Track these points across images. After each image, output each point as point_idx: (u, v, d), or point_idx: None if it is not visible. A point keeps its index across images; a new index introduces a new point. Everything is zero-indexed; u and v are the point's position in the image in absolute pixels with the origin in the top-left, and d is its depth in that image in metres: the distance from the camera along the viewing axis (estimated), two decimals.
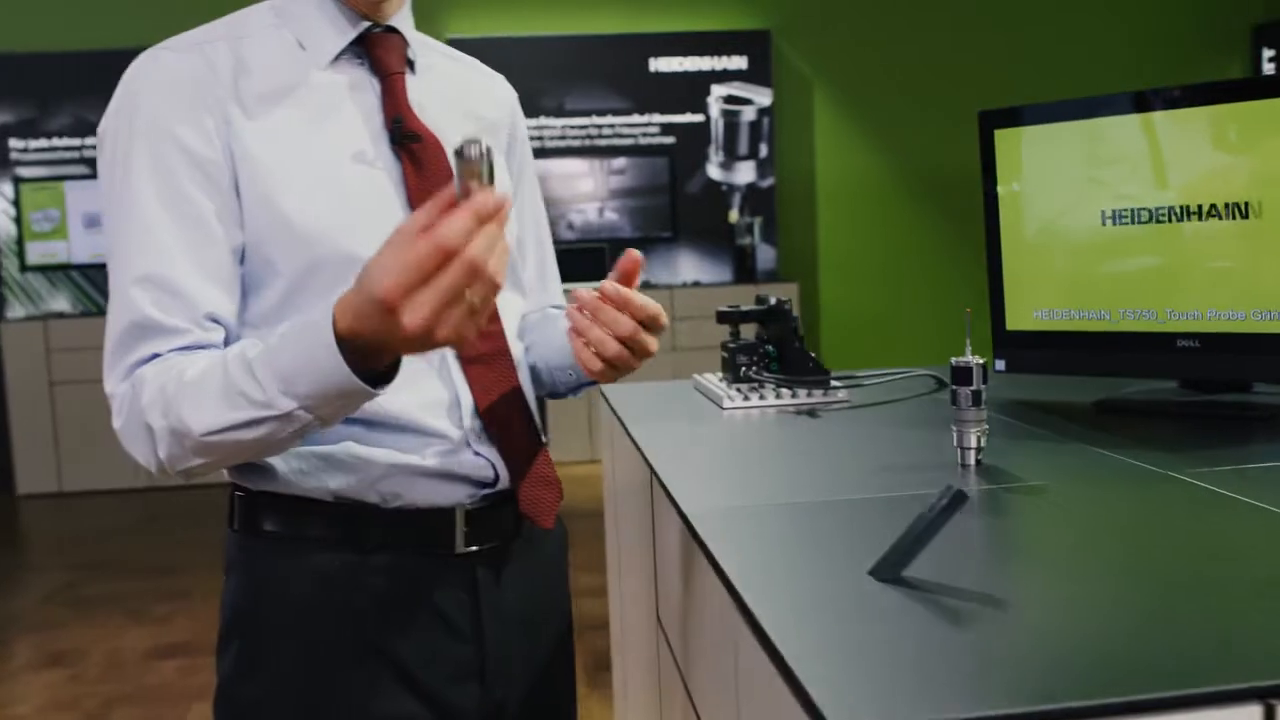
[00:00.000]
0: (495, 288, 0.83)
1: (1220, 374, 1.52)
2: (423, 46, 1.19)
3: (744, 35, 5.90)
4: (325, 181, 1.06)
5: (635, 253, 1.06)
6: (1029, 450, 1.33)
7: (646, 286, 5.47)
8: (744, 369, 1.75)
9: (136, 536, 4.98)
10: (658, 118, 5.79)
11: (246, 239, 1.04)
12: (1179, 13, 6.09)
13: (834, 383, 1.72)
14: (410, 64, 1.15)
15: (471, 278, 0.81)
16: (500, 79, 1.31)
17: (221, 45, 1.06)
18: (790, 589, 0.89)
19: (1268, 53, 6.06)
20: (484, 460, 1.11)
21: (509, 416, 1.13)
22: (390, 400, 1.02)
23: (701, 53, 5.85)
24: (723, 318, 1.84)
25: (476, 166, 0.84)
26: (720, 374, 1.85)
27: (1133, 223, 1.53)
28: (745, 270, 5.88)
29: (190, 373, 0.95)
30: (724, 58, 5.86)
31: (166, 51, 1.06)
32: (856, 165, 5.97)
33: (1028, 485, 1.16)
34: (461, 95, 1.21)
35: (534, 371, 1.25)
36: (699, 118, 5.83)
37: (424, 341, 0.84)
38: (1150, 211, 1.52)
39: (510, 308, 1.19)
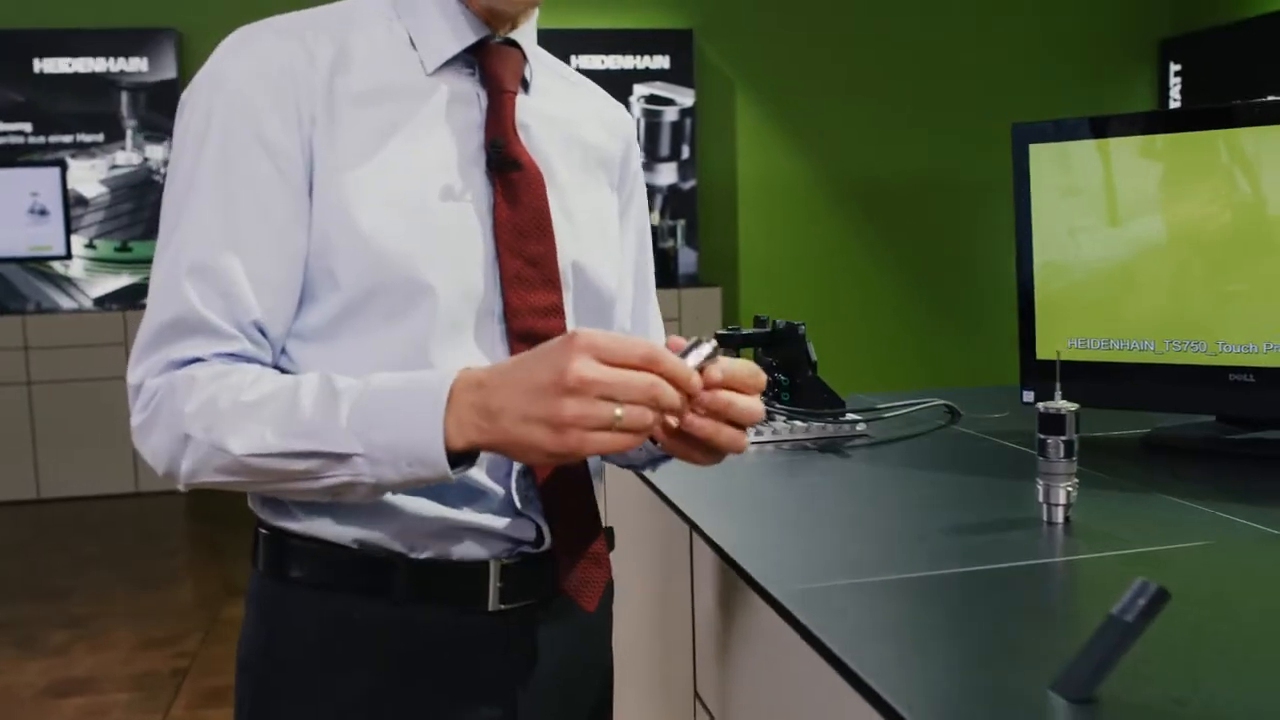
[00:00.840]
0: (645, 431, 0.79)
1: (1277, 410, 1.43)
2: (541, 65, 1.07)
3: (666, 34, 5.77)
4: (409, 199, 0.94)
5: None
6: (1106, 503, 1.21)
7: None
8: None
9: (24, 555, 4.59)
10: None
11: (311, 246, 0.93)
12: (1091, 23, 6.16)
13: (851, 415, 1.58)
14: (525, 84, 1.03)
15: (650, 400, 0.77)
16: (618, 107, 1.16)
17: (325, 35, 0.96)
18: (949, 707, 0.74)
19: (1174, 66, 6.17)
20: (528, 520, 0.98)
21: (563, 480, 0.98)
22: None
23: (623, 51, 5.70)
24: (722, 341, 1.69)
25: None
26: None
27: (1183, 247, 1.43)
28: (667, 274, 5.74)
29: (249, 394, 0.88)
30: (646, 57, 5.72)
31: (268, 32, 0.96)
32: (779, 168, 5.89)
33: (1137, 552, 1.03)
34: (572, 120, 1.08)
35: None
36: None
37: (555, 438, 0.79)
38: (1203, 236, 1.41)
39: None
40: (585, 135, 1.08)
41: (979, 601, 0.92)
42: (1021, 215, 1.55)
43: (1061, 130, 1.52)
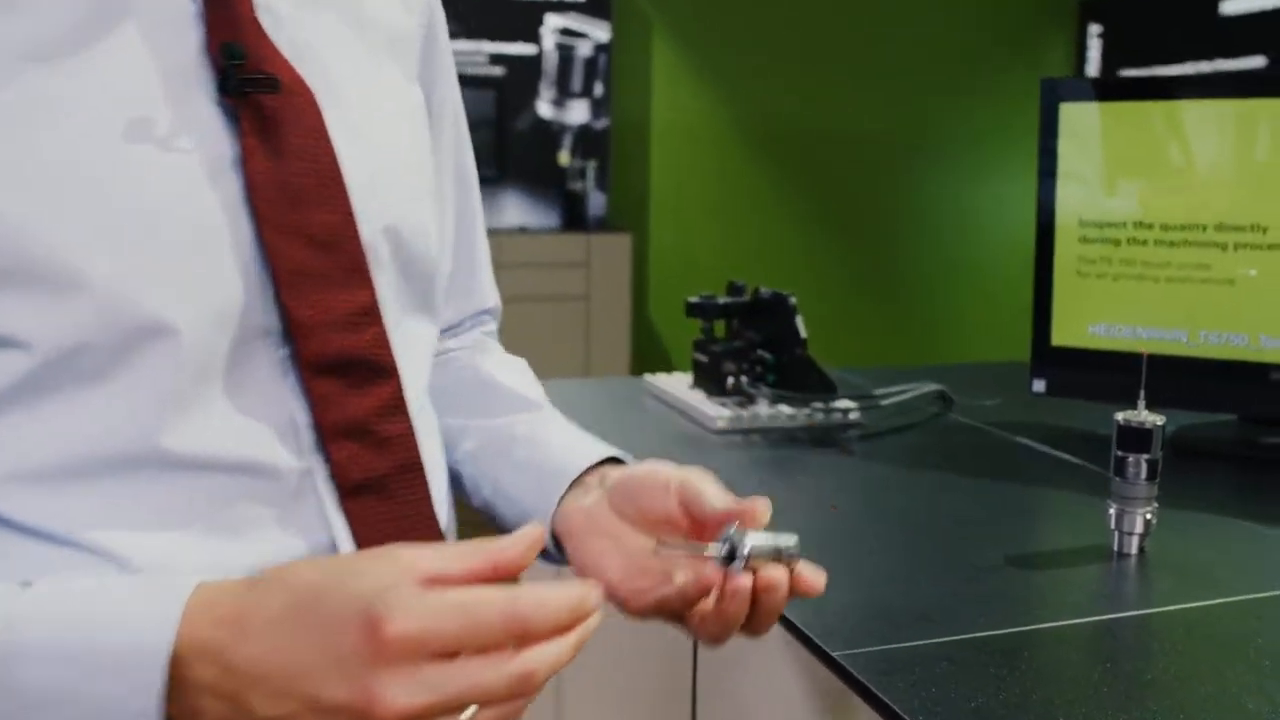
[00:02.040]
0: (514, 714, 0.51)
1: None
2: None
3: None
4: (73, 169, 0.55)
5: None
6: (1170, 524, 1.04)
7: None
8: (732, 379, 1.40)
9: None
10: (486, 45, 5.28)
11: None
12: None
13: (844, 402, 1.39)
14: None
15: (514, 691, 0.49)
16: None
17: None
18: None
19: (1095, 28, 6.12)
20: None
21: None
22: (216, 554, 0.60)
23: None
24: (695, 310, 1.48)
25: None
26: (692, 383, 1.49)
27: (1228, 228, 1.27)
28: (576, 217, 5.49)
29: None
30: None
31: None
32: (696, 113, 5.66)
33: (1253, 599, 0.86)
34: None
35: (466, 488, 0.81)
36: (531, 49, 5.36)
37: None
38: (1251, 216, 1.25)
39: (419, 342, 0.74)
40: (365, 7, 0.72)
41: (1073, 670, 0.73)
42: (1045, 182, 1.37)
43: (1102, 89, 1.34)
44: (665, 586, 0.63)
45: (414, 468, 0.67)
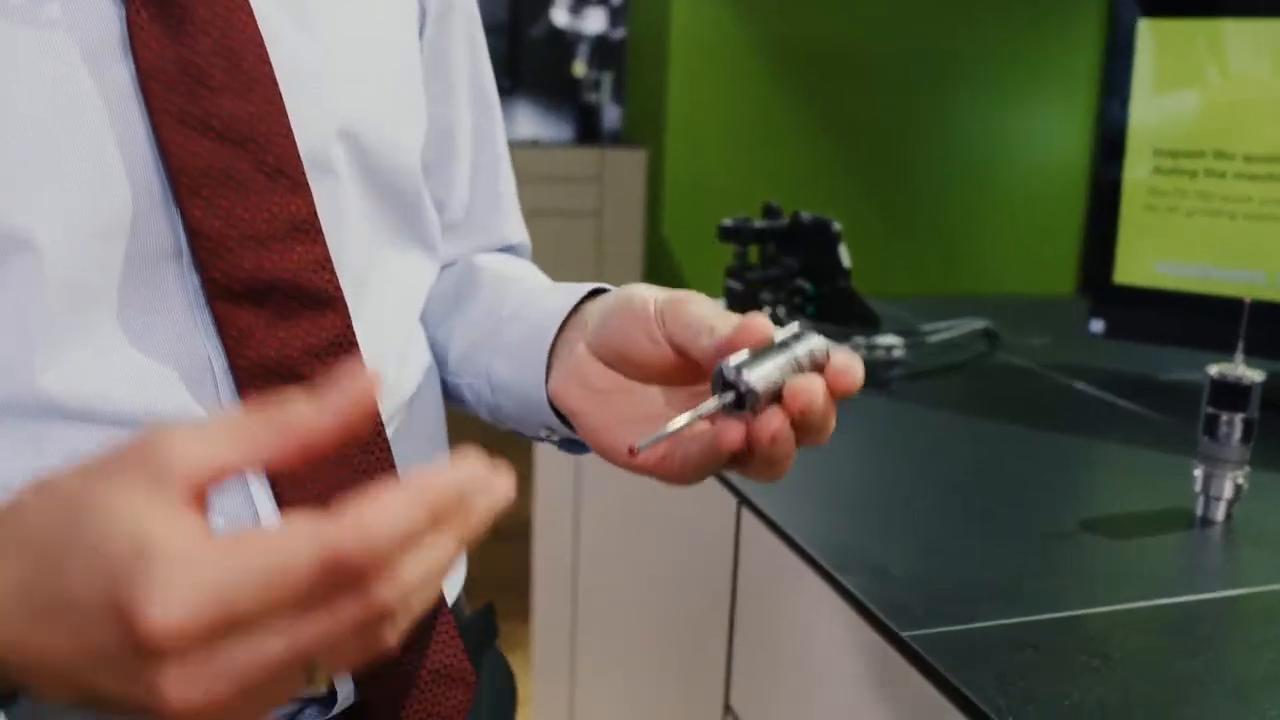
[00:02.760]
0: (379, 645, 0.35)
1: None
2: None
3: None
4: None
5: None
6: (1261, 491, 0.95)
7: None
8: (769, 310, 1.31)
9: None
10: None
11: None
12: None
13: (888, 338, 1.29)
14: None
15: (365, 644, 0.34)
16: None
17: None
18: None
19: None
20: None
21: None
22: None
23: None
24: (729, 234, 1.38)
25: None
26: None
27: None
28: (590, 130, 5.34)
29: None
30: None
31: None
32: (716, 23, 5.47)
33: None
34: None
35: (468, 401, 0.67)
36: None
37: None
38: None
39: (401, 279, 0.63)
40: None
41: (1172, 661, 0.65)
42: (1114, 105, 1.26)
43: (1185, 3, 1.22)
44: (687, 448, 0.48)
45: (376, 441, 0.55)
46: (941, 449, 1.02)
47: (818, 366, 0.47)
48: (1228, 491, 0.85)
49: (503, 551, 3.07)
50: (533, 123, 5.39)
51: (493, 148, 0.74)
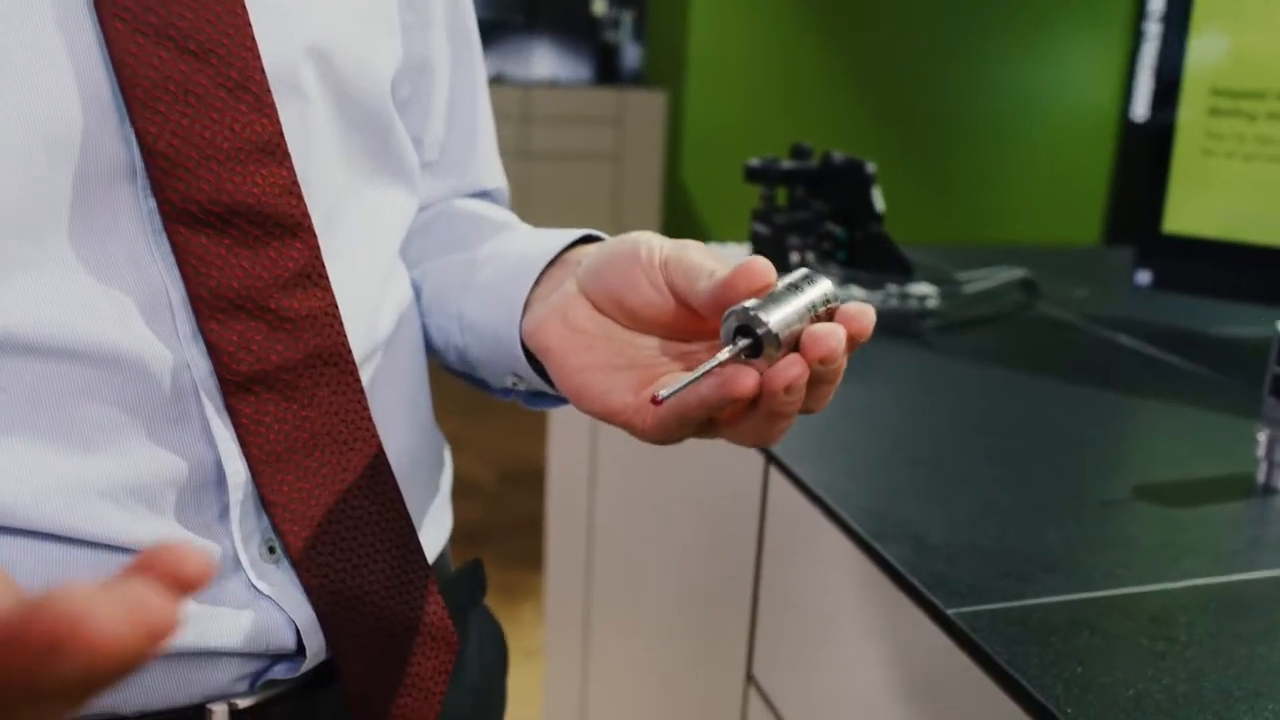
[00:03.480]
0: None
1: None
2: None
3: None
4: None
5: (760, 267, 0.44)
6: None
7: (496, 82, 4.76)
8: (798, 255, 1.24)
9: None
10: None
11: None
12: None
13: (923, 287, 1.23)
14: None
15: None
16: None
17: None
18: None
19: None
20: (272, 606, 0.49)
21: (341, 507, 0.51)
22: (63, 473, 0.44)
23: None
24: (755, 175, 1.31)
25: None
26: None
27: None
28: (609, 71, 5.23)
29: None
30: None
31: None
32: None
33: None
34: None
35: (436, 344, 0.63)
36: None
37: None
38: None
39: (380, 215, 0.58)
40: None
41: (1241, 646, 0.59)
42: (1169, 40, 1.18)
43: None
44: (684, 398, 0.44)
45: (335, 360, 0.49)
46: (980, 407, 0.96)
47: (830, 314, 0.44)
48: None
49: (518, 494, 3.04)
50: (550, 62, 5.28)
51: (470, 85, 0.68)
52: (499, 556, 2.51)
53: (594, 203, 4.93)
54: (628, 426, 0.47)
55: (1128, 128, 5.24)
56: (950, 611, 0.61)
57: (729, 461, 0.91)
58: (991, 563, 0.67)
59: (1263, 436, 0.80)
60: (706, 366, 0.42)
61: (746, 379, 0.41)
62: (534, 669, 1.99)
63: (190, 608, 0.46)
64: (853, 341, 0.43)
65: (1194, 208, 1.20)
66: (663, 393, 0.41)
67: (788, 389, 0.41)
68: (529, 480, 2.98)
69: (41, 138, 0.42)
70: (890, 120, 5.32)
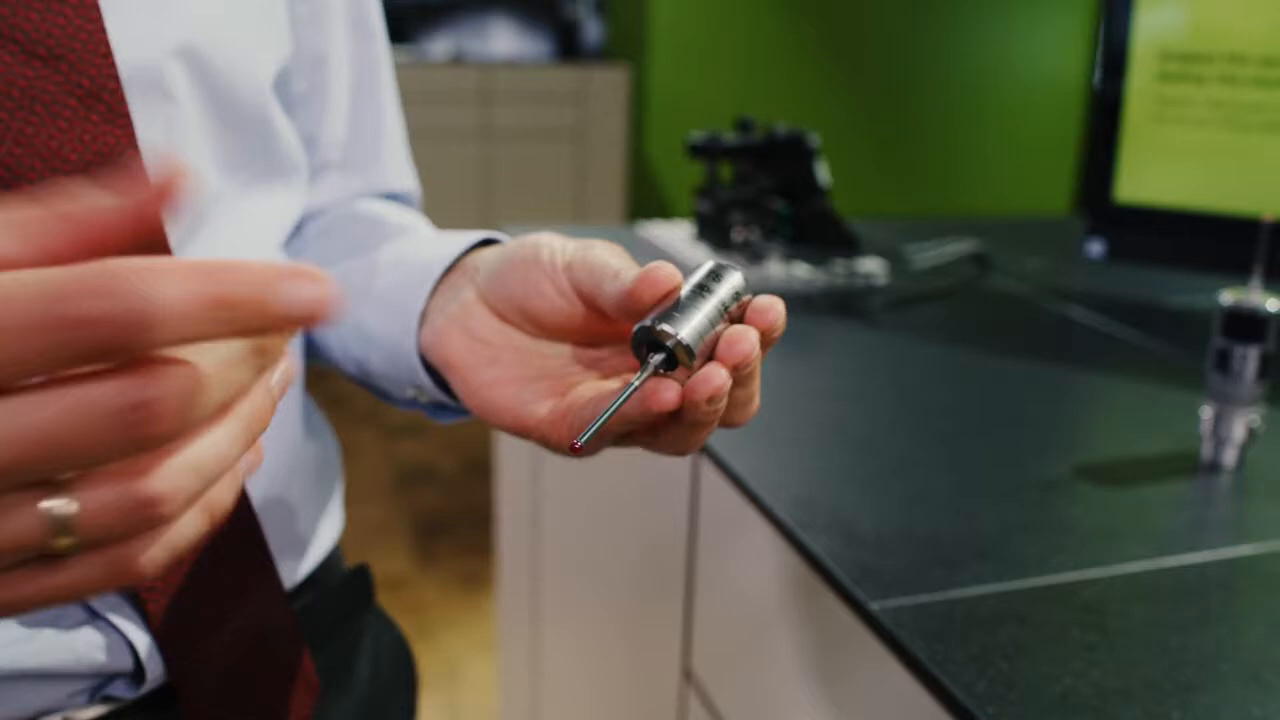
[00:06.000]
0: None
1: None
2: None
3: None
4: None
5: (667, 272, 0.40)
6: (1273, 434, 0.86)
7: (456, 62, 4.70)
8: (738, 232, 1.21)
9: None
10: None
11: None
12: None
13: (869, 263, 1.20)
14: None
15: (128, 430, 0.25)
16: None
17: None
18: None
19: None
20: (108, 628, 0.46)
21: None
22: None
23: None
24: (698, 151, 1.28)
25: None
26: (694, 235, 1.29)
27: None
28: (569, 47, 5.17)
29: None
30: None
31: None
32: None
33: None
34: None
35: (334, 354, 0.59)
36: None
37: None
38: None
39: (257, 221, 0.54)
40: None
41: (1181, 636, 0.57)
42: (1118, 4, 1.15)
43: None
44: (580, 413, 0.42)
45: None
46: (923, 386, 0.93)
47: (742, 309, 0.41)
48: (1239, 434, 0.76)
49: (480, 483, 3.00)
50: (510, 40, 5.21)
51: (373, 80, 0.64)
52: (459, 545, 2.48)
53: (557, 181, 4.88)
54: (543, 441, 0.44)
55: (1095, 96, 5.23)
56: (873, 605, 0.58)
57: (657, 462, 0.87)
58: (922, 551, 0.64)
59: (1207, 412, 0.77)
60: (625, 395, 0.39)
61: (667, 392, 0.38)
62: (493, 660, 1.96)
63: (21, 626, 0.43)
64: (766, 338, 0.40)
65: (1147, 176, 1.17)
66: (580, 440, 0.39)
67: (710, 399, 0.38)
68: (491, 469, 2.94)
69: None
70: (857, 92, 5.29)
